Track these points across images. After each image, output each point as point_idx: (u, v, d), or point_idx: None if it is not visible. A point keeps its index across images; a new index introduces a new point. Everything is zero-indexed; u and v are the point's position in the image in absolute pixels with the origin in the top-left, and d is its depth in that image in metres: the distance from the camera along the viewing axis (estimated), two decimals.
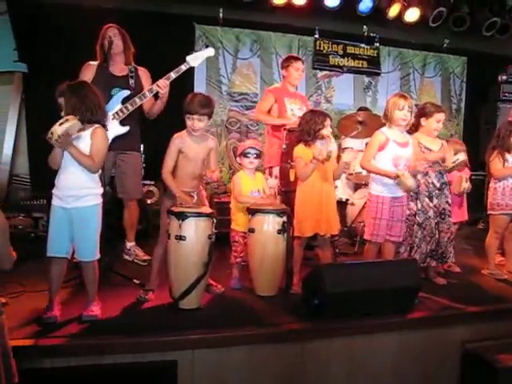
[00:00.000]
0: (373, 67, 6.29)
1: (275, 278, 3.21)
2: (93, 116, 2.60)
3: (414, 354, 2.94)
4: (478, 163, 4.12)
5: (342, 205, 4.61)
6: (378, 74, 6.36)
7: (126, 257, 3.93)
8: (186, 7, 5.38)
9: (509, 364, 2.85)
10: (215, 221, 2.91)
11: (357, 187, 4.91)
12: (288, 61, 4.42)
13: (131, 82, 3.74)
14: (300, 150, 3.35)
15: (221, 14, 5.58)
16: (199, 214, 2.86)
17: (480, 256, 4.16)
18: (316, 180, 3.30)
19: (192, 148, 3.07)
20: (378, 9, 5.72)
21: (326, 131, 3.27)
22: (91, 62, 3.75)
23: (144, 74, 3.86)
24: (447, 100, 6.73)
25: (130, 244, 3.95)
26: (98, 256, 2.67)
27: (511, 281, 3.76)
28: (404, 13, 5.83)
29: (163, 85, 3.58)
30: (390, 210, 3.30)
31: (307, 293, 2.90)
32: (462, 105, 6.86)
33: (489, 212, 3.90)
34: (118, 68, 3.79)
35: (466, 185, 3.96)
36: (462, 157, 3.58)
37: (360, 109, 5.39)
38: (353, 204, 4.72)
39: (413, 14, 5.86)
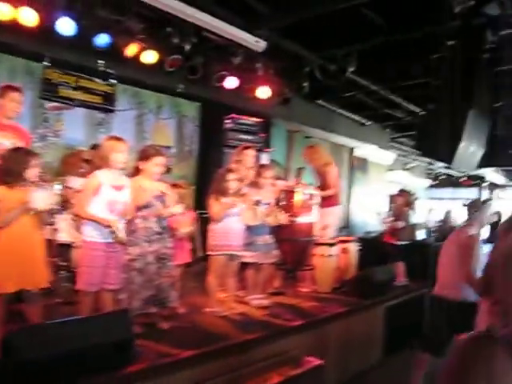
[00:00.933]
0: (107, 104, 6.07)
1: None
2: None
3: None
4: (206, 204, 4.34)
5: (67, 248, 4.25)
6: (113, 111, 6.18)
7: None
8: None
9: None
10: None
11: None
12: (3, 90, 3.87)
13: None
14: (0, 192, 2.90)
15: None
16: None
17: (205, 294, 4.28)
18: (18, 228, 2.89)
19: None
20: (116, 45, 5.61)
21: (33, 172, 2.92)
22: None
23: None
24: (180, 142, 6.91)
25: None
26: None
27: (231, 317, 3.97)
28: (141, 54, 5.86)
29: None
30: (104, 256, 3.12)
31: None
32: (195, 148, 7.14)
33: (208, 252, 4.08)
34: None
35: (189, 228, 4.08)
36: (180, 208, 3.66)
37: (91, 146, 5.12)
38: (78, 247, 4.37)
39: (149, 57, 5.93)
